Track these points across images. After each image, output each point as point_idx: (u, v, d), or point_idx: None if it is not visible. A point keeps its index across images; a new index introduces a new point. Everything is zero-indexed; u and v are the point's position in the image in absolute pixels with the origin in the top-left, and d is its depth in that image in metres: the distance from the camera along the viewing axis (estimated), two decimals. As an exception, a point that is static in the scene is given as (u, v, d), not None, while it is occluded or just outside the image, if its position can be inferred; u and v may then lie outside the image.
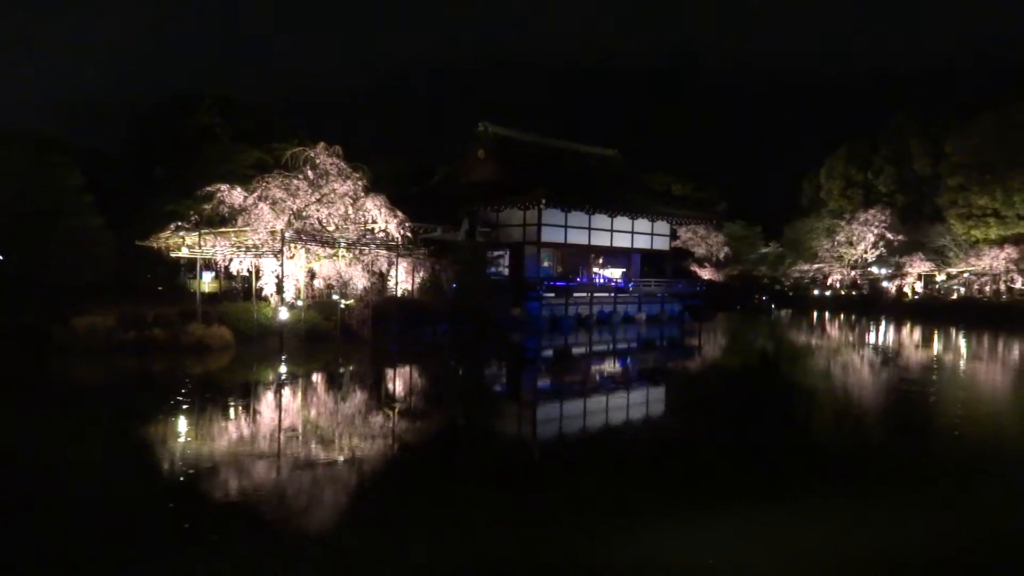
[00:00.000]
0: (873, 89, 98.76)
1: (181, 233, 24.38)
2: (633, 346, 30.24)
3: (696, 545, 7.47)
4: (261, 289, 24.45)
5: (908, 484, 10.05)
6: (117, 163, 36.01)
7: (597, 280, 40.59)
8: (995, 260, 44.47)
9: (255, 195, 23.28)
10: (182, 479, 9.55)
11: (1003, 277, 44.84)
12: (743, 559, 7.15)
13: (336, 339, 23.89)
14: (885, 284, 52.19)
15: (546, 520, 8.18)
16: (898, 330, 38.03)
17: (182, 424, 12.73)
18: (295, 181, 23.75)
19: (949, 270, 49.09)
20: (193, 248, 25.11)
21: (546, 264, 39.59)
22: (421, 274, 29.77)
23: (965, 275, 47.88)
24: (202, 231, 23.89)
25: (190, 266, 27.95)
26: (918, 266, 49.26)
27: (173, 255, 26.72)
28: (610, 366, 24.79)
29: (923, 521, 8.47)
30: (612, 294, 39.05)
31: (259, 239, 23.42)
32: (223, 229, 23.98)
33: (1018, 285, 44.61)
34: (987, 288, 45.85)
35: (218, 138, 33.60)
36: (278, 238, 23.11)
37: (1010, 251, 43.89)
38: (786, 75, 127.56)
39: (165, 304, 24.05)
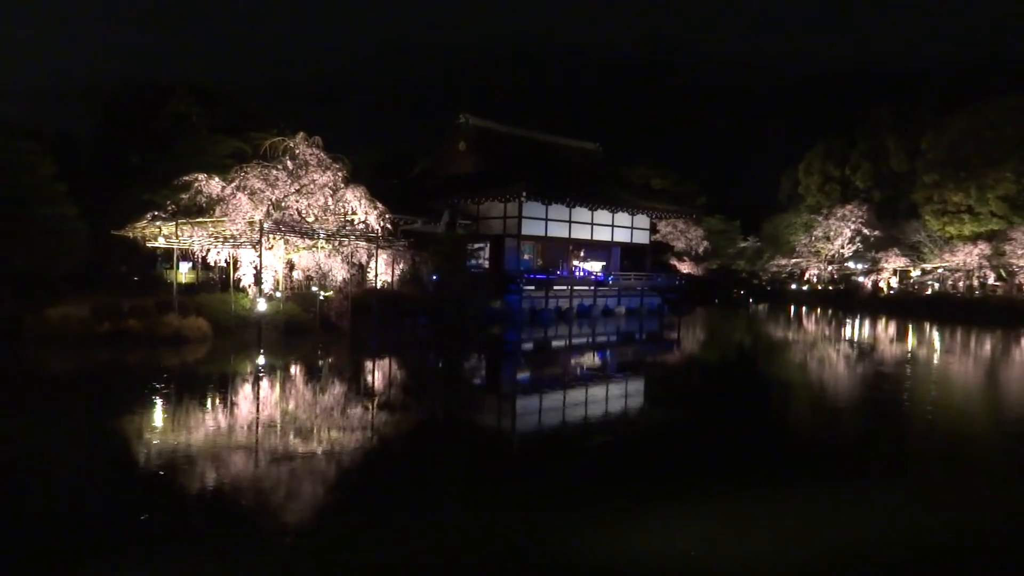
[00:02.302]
0: (854, 85, 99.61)
1: (158, 223, 24.10)
2: (613, 339, 30.35)
3: (673, 535, 7.51)
4: (239, 280, 24.24)
5: (880, 473, 10.19)
6: (92, 150, 35.49)
7: (577, 273, 40.67)
8: (969, 256, 45.11)
9: (233, 185, 23.07)
10: (150, 472, 9.44)
11: (976, 273, 45.49)
12: (719, 548, 7.21)
13: (315, 331, 23.75)
14: (861, 279, 52.79)
15: (523, 511, 8.19)
16: (873, 325, 38.49)
17: (154, 417, 12.57)
18: (274, 171, 23.56)
19: (924, 266, 49.75)
20: (170, 238, 24.84)
21: (526, 257, 39.62)
22: (401, 266, 29.67)
23: (939, 271, 48.54)
24: (179, 221, 23.63)
25: (167, 256, 27.67)
26: (894, 261, 49.86)
27: (149, 245, 26.43)
28: (589, 359, 24.86)
29: (892, 510, 8.58)
30: (592, 287, 39.15)
31: (237, 229, 23.20)
32: (200, 219, 23.73)
33: (991, 281, 45.27)
34: (961, 284, 46.51)
35: (195, 127, 33.27)
36: (256, 229, 22.91)
37: (983, 247, 44.53)
38: (767, 70, 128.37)
39: (141, 295, 23.78)
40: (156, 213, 23.85)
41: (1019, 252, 41.95)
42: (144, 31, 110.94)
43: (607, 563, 6.85)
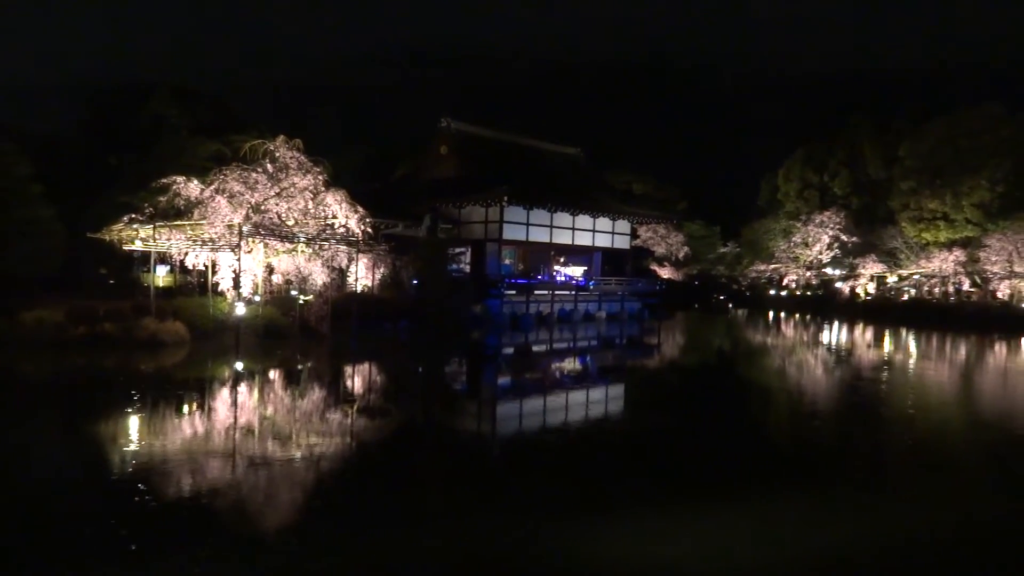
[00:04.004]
0: (834, 92, 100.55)
1: (135, 225, 23.86)
2: (593, 344, 30.43)
3: (652, 540, 7.54)
4: (217, 284, 24.04)
5: (858, 476, 10.29)
6: (69, 152, 35.07)
7: (558, 278, 40.74)
8: (944, 263, 45.68)
9: (212, 188, 22.89)
10: (119, 479, 9.33)
11: (951, 279, 46.08)
12: (699, 553, 7.24)
13: (294, 335, 23.61)
14: (839, 285, 53.29)
15: (502, 516, 8.19)
16: (851, 330, 38.89)
17: (128, 422, 12.44)
18: (254, 174, 23.40)
19: (900, 272, 50.31)
20: (147, 241, 24.60)
21: (508, 261, 39.63)
22: (382, 270, 29.56)
23: (915, 277, 49.12)
24: (157, 224, 23.41)
25: (144, 259, 27.38)
26: (871, 267, 50.39)
27: (126, 248, 26.16)
28: (570, 364, 24.91)
29: (873, 513, 8.67)
30: (573, 292, 39.23)
31: (216, 233, 23.01)
32: (179, 222, 23.53)
33: (965, 287, 45.88)
34: (936, 290, 47.09)
35: (175, 128, 33.01)
36: (235, 232, 22.74)
37: (958, 254, 45.12)
38: (749, 75, 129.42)
39: (117, 298, 23.51)
40: (133, 216, 23.59)
41: (993, 259, 42.54)
42: (125, 31, 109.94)
43: (585, 570, 6.86)
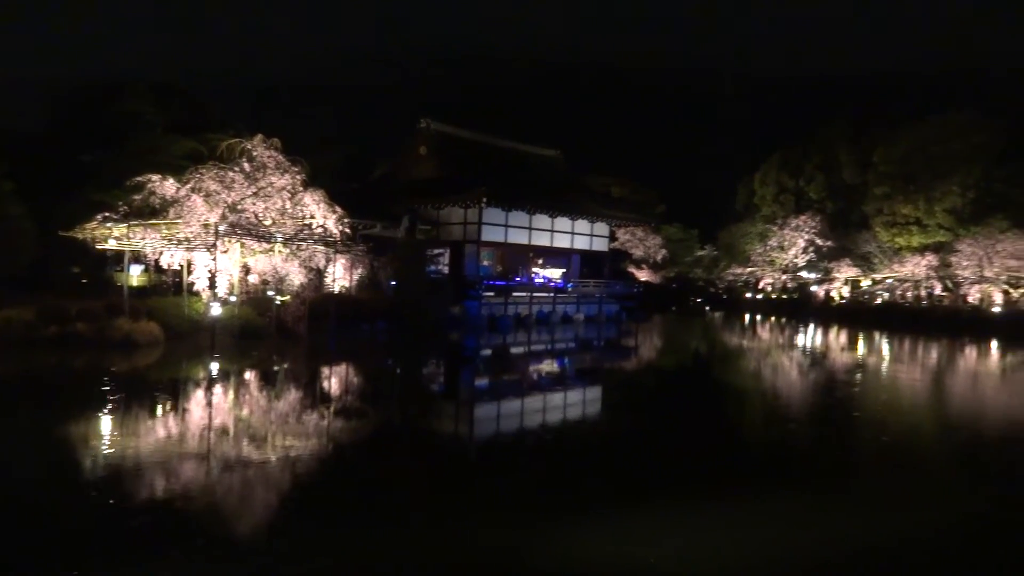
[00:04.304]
0: (810, 98, 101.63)
1: (109, 224, 23.53)
2: (571, 346, 30.50)
3: (628, 541, 7.57)
4: (193, 284, 23.78)
5: (830, 477, 10.41)
6: (41, 148, 34.48)
7: (536, 280, 40.80)
8: (917, 267, 46.33)
9: (188, 186, 22.65)
10: (88, 482, 9.21)
11: (924, 283, 46.75)
12: (671, 554, 7.28)
13: (271, 336, 23.42)
14: (814, 288, 53.89)
15: (478, 517, 8.18)
16: (825, 333, 39.33)
17: (99, 424, 12.26)
18: (231, 173, 23.18)
19: (874, 276, 50.97)
20: (121, 240, 24.28)
21: (486, 263, 39.60)
22: (360, 271, 29.43)
23: (889, 281, 49.78)
24: (131, 222, 23.11)
25: (118, 259, 27.01)
26: (845, 271, 51.00)
27: (99, 247, 25.79)
28: (548, 366, 24.95)
29: (844, 513, 8.77)
30: (551, 294, 39.31)
31: (191, 232, 22.76)
32: (153, 221, 23.24)
33: (937, 291, 46.58)
34: (909, 294, 47.75)
35: (150, 126, 32.58)
36: (211, 231, 22.52)
37: (931, 259, 45.79)
38: (726, 81, 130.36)
39: (90, 298, 23.16)
40: (107, 214, 23.26)
41: (964, 264, 43.22)
42: (98, 26, 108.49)
43: (559, 570, 6.87)
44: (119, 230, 23.70)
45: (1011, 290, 41.56)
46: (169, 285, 26.66)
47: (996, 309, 41.38)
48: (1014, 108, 49.89)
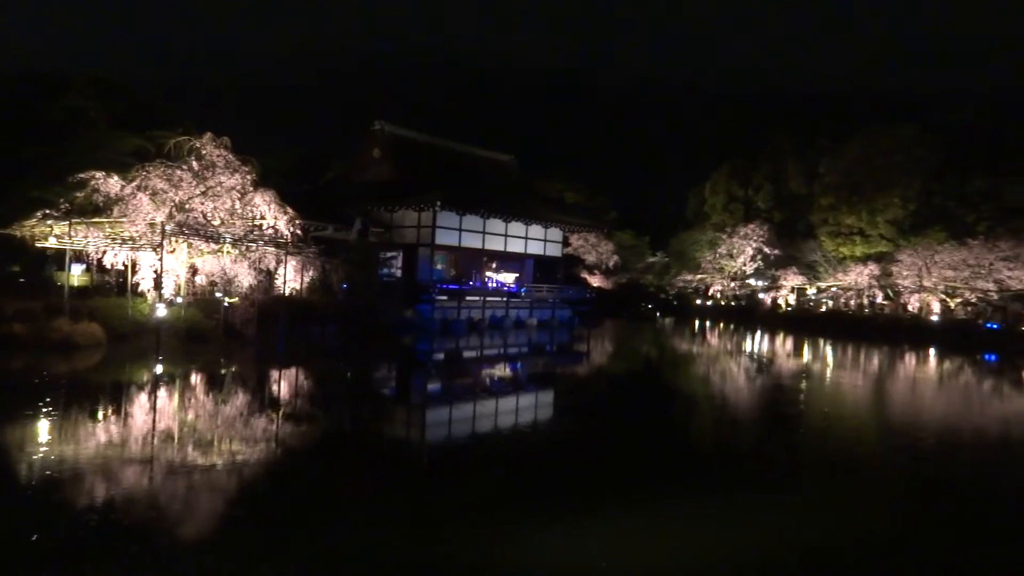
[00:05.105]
0: (760, 110, 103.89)
1: (49, 222, 22.78)
2: (524, 351, 30.58)
3: (577, 546, 7.62)
4: (137, 284, 23.19)
5: (772, 478, 10.63)
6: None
7: (490, 284, 40.81)
8: (860, 276, 47.64)
9: (133, 184, 22.11)
10: (16, 490, 8.89)
11: (866, 292, 48.08)
12: (614, 555, 7.35)
13: (218, 339, 22.95)
14: (761, 296, 55.02)
15: (426, 525, 8.14)
16: (772, 339, 40.19)
17: (32, 429, 11.83)
18: (178, 172, 22.70)
19: (819, 284, 52.27)
20: (62, 238, 23.53)
21: (439, 267, 39.46)
22: (311, 273, 29.02)
23: (833, 289, 51.10)
24: (73, 220, 22.42)
25: (58, 258, 26.16)
26: (791, 279, 52.19)
27: (39, 245, 24.94)
28: (500, 370, 24.96)
29: (785, 515, 8.97)
30: (504, 299, 39.35)
31: (137, 231, 22.21)
32: (97, 219, 22.59)
33: (879, 300, 47.97)
34: (852, 302, 49.08)
35: (93, 121, 31.67)
36: (158, 231, 22.00)
37: (873, 268, 47.13)
38: (682, 89, 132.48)
39: (28, 298, 22.36)
40: (47, 211, 22.53)
41: (904, 273, 44.57)
42: (41, 19, 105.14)
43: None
44: (60, 228, 22.98)
45: (948, 299, 43.02)
46: (112, 286, 25.90)
47: (934, 317, 42.80)
48: (953, 125, 51.75)
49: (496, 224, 39.78)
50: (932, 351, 35.14)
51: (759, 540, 8.23)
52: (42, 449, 10.51)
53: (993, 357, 33.25)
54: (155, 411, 13.81)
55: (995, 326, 39.68)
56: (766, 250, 53.87)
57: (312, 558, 7.04)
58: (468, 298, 36.83)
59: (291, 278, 27.86)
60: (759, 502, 9.71)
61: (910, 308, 44.59)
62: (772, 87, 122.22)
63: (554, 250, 45.13)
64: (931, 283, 43.22)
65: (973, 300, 42.35)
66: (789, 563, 7.68)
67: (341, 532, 7.85)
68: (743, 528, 8.61)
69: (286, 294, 27.01)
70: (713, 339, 40.70)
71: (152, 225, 22.05)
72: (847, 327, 44.46)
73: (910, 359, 32.45)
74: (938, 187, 47.75)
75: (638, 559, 7.50)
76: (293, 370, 20.53)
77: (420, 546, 7.53)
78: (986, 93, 76.84)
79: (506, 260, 42.73)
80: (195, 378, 17.79)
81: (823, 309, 50.84)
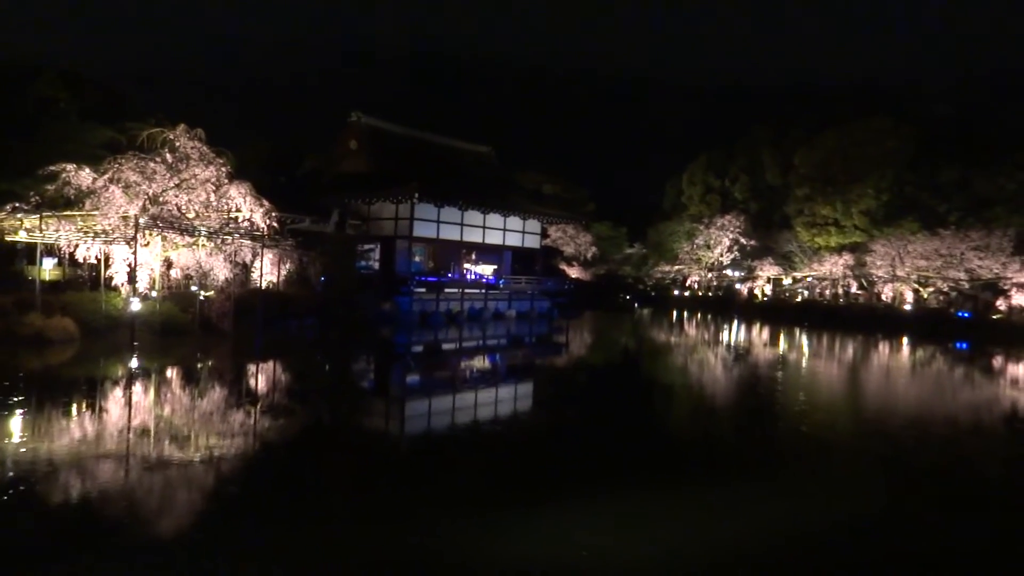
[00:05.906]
0: (737, 100, 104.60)
1: (19, 215, 22.42)
2: (502, 342, 30.60)
3: (558, 536, 7.66)
4: (111, 278, 22.88)
5: (749, 466, 10.76)
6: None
7: (468, 276, 40.76)
8: (834, 266, 48.19)
9: (106, 177, 21.79)
10: None
11: (841, 282, 48.67)
12: (604, 548, 7.41)
13: (194, 332, 22.73)
14: (738, 286, 55.47)
15: (407, 517, 8.14)
16: (748, 329, 40.55)
17: (2, 427, 11.67)
18: (152, 164, 22.39)
19: (795, 274, 52.80)
20: (33, 232, 23.14)
21: (417, 259, 39.35)
22: (288, 266, 28.83)
23: (808, 279, 51.65)
24: (44, 214, 22.06)
25: (29, 251, 25.74)
26: (768, 270, 52.65)
27: (9, 239, 24.53)
28: (479, 362, 24.98)
29: (759, 506, 9.08)
30: (483, 290, 39.33)
31: (110, 224, 21.90)
32: (68, 212, 22.25)
33: (853, 290, 48.57)
34: (827, 292, 49.66)
35: (64, 113, 31.17)
36: (131, 224, 21.71)
37: (847, 258, 47.68)
38: (660, 82, 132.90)
39: (-2, 292, 22.00)
40: (17, 204, 22.14)
41: (878, 263, 45.14)
42: (9, 9, 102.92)
43: (492, 567, 6.91)
44: (30, 221, 22.61)
45: (921, 289, 43.65)
46: (85, 280, 25.53)
47: (907, 307, 43.43)
48: (926, 118, 52.41)
49: (474, 216, 39.73)
50: (905, 340, 35.67)
51: (737, 524, 8.33)
52: (11, 446, 10.36)
53: (964, 345, 33.83)
54: (130, 406, 13.66)
55: (966, 315, 40.36)
56: (743, 241, 54.26)
57: (288, 552, 7.02)
58: (447, 290, 36.78)
59: (268, 271, 27.65)
60: (738, 488, 9.82)
61: (884, 298, 45.19)
62: (748, 80, 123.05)
63: (533, 242, 45.17)
64: (904, 273, 43.81)
65: (945, 289, 43.00)
66: (770, 546, 7.78)
67: (316, 524, 7.83)
68: (722, 514, 8.71)
69: (263, 287, 26.80)
70: (691, 329, 40.99)
71: (125, 218, 21.76)
72: (822, 317, 45.00)
73: (884, 348, 32.91)
74: (911, 178, 48.34)
75: (619, 546, 7.56)
76: (270, 364, 20.39)
77: (397, 537, 7.53)
78: (958, 86, 77.92)
79: (485, 252, 42.69)
80: (171, 373, 17.62)
81: (799, 299, 51.38)
